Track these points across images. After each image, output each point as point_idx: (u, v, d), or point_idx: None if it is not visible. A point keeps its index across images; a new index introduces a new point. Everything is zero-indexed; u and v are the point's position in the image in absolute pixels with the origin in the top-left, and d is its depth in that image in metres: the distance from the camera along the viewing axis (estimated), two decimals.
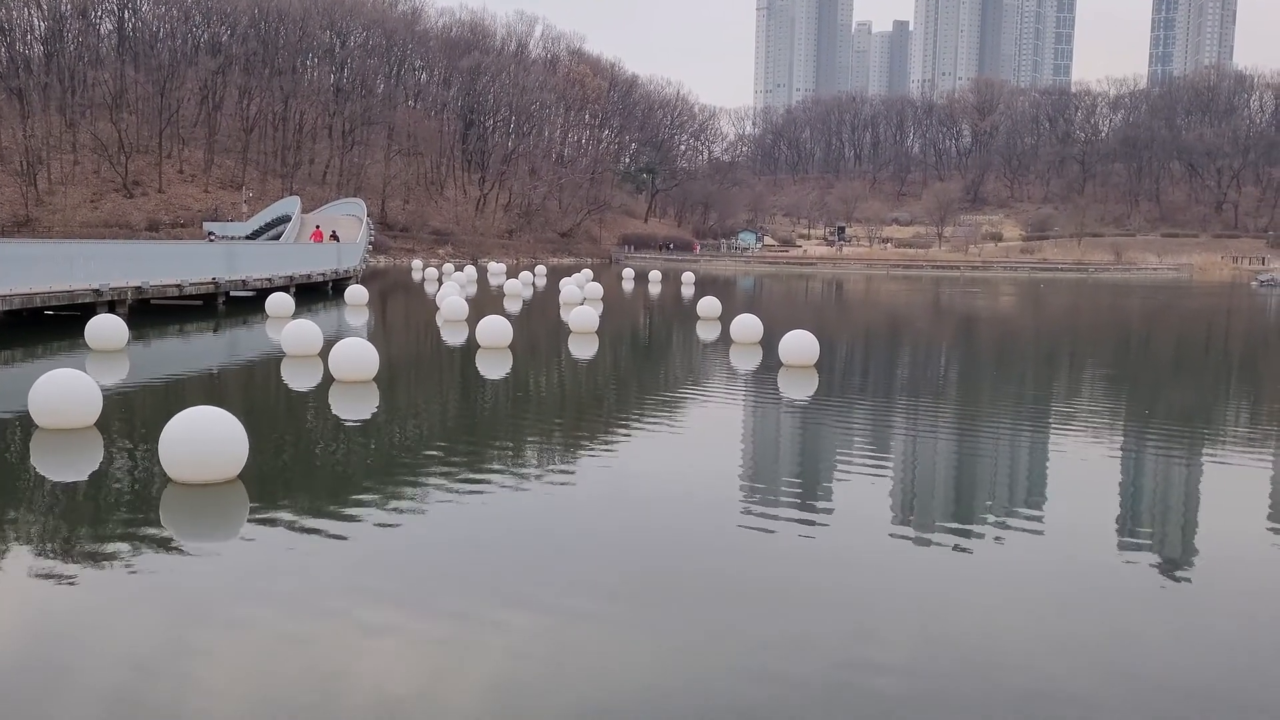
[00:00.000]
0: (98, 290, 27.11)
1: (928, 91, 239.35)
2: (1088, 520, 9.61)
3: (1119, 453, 13.38)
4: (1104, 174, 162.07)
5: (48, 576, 7.48)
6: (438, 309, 31.64)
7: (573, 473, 11.22)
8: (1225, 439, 14.68)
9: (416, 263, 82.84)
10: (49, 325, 25.82)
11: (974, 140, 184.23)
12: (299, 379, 18.14)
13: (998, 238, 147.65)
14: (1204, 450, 13.60)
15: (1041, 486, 11.36)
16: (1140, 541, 9.08)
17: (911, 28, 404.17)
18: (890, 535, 9.03)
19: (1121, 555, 8.57)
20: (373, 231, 76.77)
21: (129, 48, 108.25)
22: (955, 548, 8.61)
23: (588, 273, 58.05)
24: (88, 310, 25.44)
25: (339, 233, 60.53)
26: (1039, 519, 9.64)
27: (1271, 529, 9.60)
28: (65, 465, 11.27)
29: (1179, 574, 8.19)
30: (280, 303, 30.92)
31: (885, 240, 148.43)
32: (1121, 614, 7.09)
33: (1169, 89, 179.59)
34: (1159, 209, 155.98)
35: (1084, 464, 12.47)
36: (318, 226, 62.83)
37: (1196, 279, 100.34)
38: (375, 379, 16.98)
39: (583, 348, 24.17)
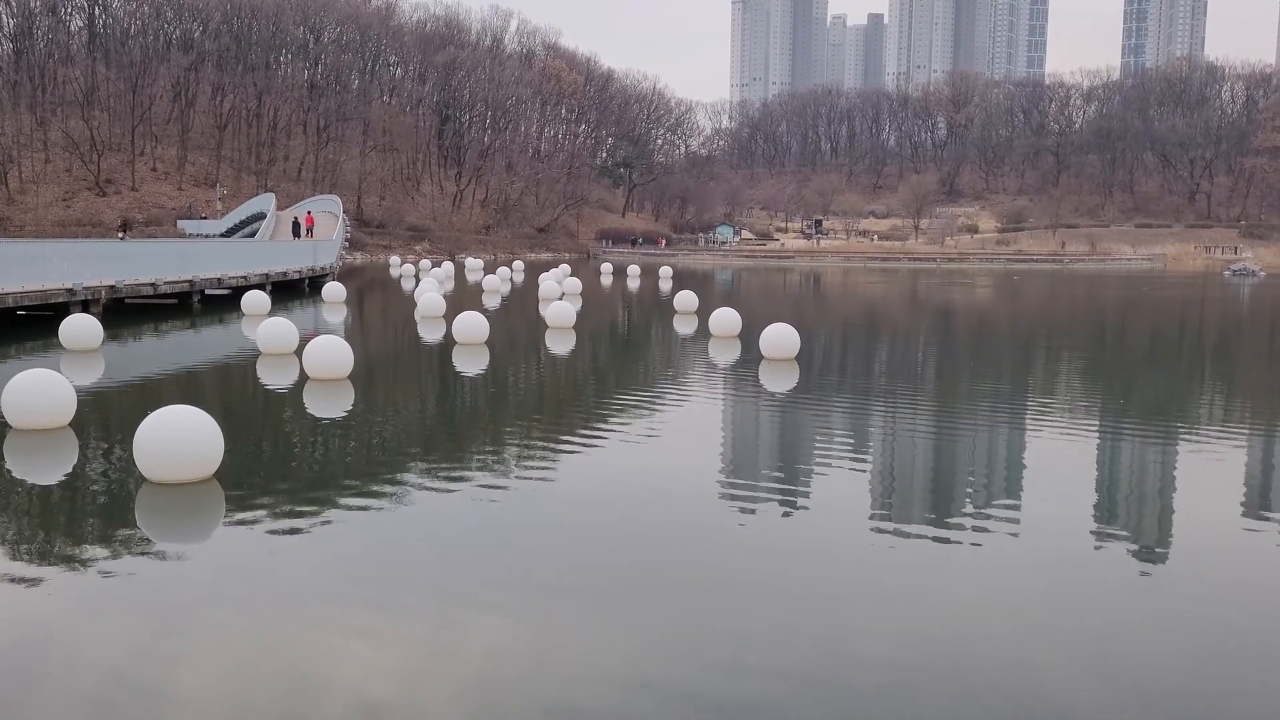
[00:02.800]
0: (71, 290, 26.87)
1: (903, 84, 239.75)
2: (1065, 513, 9.66)
3: (1096, 444, 13.46)
4: (1078, 165, 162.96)
5: (22, 578, 7.40)
6: (415, 305, 31.52)
7: (551, 468, 11.19)
8: (1201, 429, 14.80)
9: (394, 259, 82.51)
10: (22, 325, 25.57)
11: (949, 133, 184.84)
12: (275, 377, 18.03)
13: (974, 230, 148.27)
14: (1180, 441, 13.70)
15: (1019, 479, 11.41)
16: (1117, 534, 9.14)
17: (886, 21, 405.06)
18: (870, 528, 9.05)
19: (1099, 548, 8.62)
20: (349, 228, 76.40)
21: (100, 45, 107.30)
22: (934, 541, 8.64)
23: (565, 268, 57.98)
24: (61, 310, 25.22)
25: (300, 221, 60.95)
26: (1017, 512, 9.69)
27: (1247, 519, 9.68)
28: (39, 466, 11.16)
29: (1156, 566, 8.25)
30: (256, 301, 30.74)
31: (862, 233, 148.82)
32: (1099, 606, 7.13)
33: (1142, 80, 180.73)
34: (1133, 200, 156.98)
35: (1061, 456, 12.54)
36: (309, 212, 63.35)
37: (1170, 269, 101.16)
38: (350, 377, 16.90)
39: (561, 343, 24.13)
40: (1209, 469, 11.89)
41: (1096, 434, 14.10)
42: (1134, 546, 8.59)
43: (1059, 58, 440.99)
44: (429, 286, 36.60)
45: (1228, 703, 5.68)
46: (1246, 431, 14.60)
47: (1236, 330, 35.79)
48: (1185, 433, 14.21)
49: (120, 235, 41.82)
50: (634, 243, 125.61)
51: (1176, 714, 5.55)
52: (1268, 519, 9.63)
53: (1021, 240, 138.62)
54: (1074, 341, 29.39)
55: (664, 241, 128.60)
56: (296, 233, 59.83)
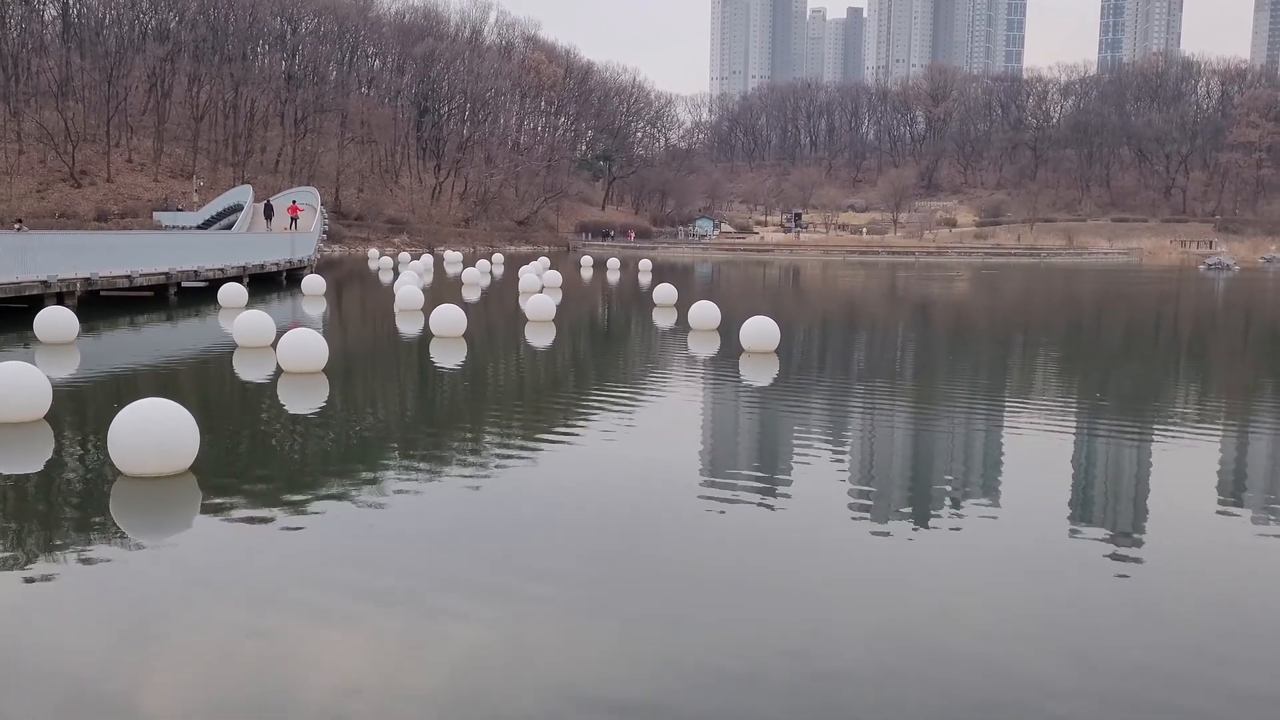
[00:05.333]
0: (45, 282, 26.63)
1: (882, 78, 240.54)
2: (1043, 504, 9.72)
3: (1073, 438, 13.55)
4: (1055, 160, 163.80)
5: None
6: (394, 298, 31.40)
7: (529, 463, 11.17)
8: (1176, 420, 14.91)
9: (373, 251, 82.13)
10: None
11: (928, 127, 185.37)
12: (251, 370, 17.93)
13: (952, 223, 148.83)
14: (1156, 432, 13.81)
15: (997, 470, 11.48)
16: (1094, 525, 9.20)
17: (865, 15, 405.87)
18: (850, 520, 9.09)
19: (1076, 539, 8.68)
20: (327, 220, 76.02)
21: (74, 34, 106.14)
22: (913, 533, 8.68)
23: (545, 260, 57.82)
24: (36, 302, 24.99)
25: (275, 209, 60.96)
26: (995, 503, 9.74)
27: (1221, 510, 9.77)
28: (14, 459, 11.07)
29: (1133, 557, 8.30)
30: (233, 293, 30.56)
31: (841, 226, 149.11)
32: (1077, 598, 7.18)
33: (1118, 76, 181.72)
34: (1109, 194, 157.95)
35: (1038, 449, 12.61)
36: (294, 201, 63.09)
37: (1146, 263, 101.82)
38: (325, 370, 16.82)
39: (540, 336, 24.09)
40: (1185, 462, 11.99)
41: (1073, 427, 14.19)
42: (1110, 539, 8.64)
43: (1036, 52, 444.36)
44: (408, 279, 36.48)
45: (1203, 694, 5.73)
46: (1222, 424, 14.72)
47: (1212, 324, 36.08)
48: (1161, 426, 14.32)
49: (17, 226, 40.76)
50: (606, 235, 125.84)
51: (1152, 705, 5.59)
52: (1243, 511, 9.72)
53: (999, 234, 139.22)
54: (1051, 335, 29.56)
55: (632, 234, 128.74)
56: (269, 215, 59.58)
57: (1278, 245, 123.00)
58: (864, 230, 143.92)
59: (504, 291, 41.14)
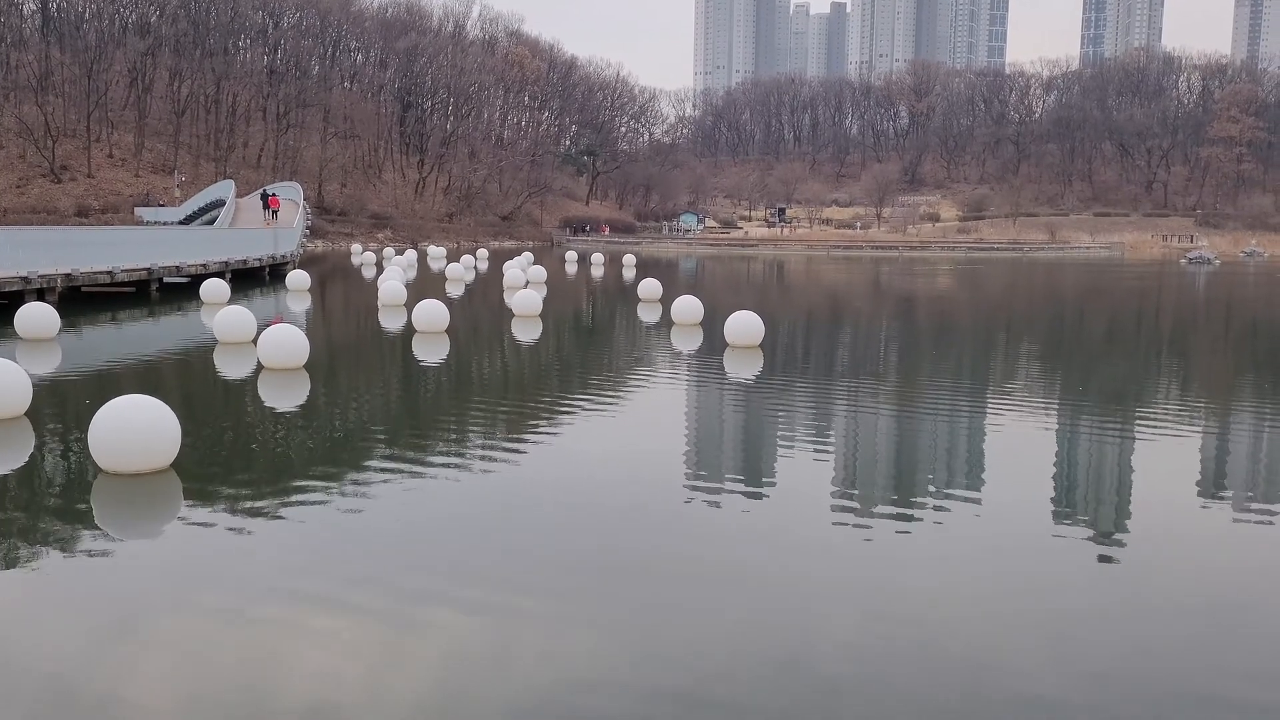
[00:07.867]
0: (26, 278, 26.45)
1: (865, 73, 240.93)
2: (1027, 499, 9.76)
3: (1055, 431, 13.60)
4: (1038, 154, 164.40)
5: None
6: (378, 293, 31.30)
7: (513, 459, 11.15)
8: (1159, 415, 14.98)
9: (356, 247, 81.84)
10: None
11: (911, 122, 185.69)
12: (232, 366, 17.85)
13: (935, 218, 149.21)
14: (1138, 427, 13.87)
15: (981, 465, 11.51)
16: (1078, 520, 9.23)
17: (849, 9, 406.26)
18: (833, 516, 9.09)
19: (1060, 534, 8.71)
20: (309, 215, 75.75)
21: (54, 29, 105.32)
22: (897, 527, 8.70)
23: (528, 255, 57.75)
24: (16, 298, 24.84)
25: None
26: (979, 498, 9.77)
27: (1205, 505, 9.82)
28: None
29: (1117, 552, 8.34)
30: (215, 289, 30.42)
31: (825, 221, 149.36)
32: (1060, 593, 7.21)
33: (1100, 70, 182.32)
34: (1091, 189, 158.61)
35: (1021, 442, 12.66)
36: (274, 194, 63.04)
37: (1129, 257, 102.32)
38: (306, 366, 16.76)
39: (525, 331, 24.05)
40: (1167, 454, 12.04)
41: (1056, 420, 14.25)
42: (1093, 532, 8.68)
43: (1019, 47, 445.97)
44: (392, 275, 36.38)
45: (1187, 686, 5.76)
46: (1203, 417, 14.80)
47: (1193, 318, 36.28)
48: (1143, 418, 14.38)
49: None
50: (583, 230, 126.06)
51: (1136, 697, 5.62)
52: (1224, 503, 9.78)
53: (982, 229, 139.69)
54: (1034, 330, 29.67)
55: (606, 229, 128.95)
56: (267, 205, 59.78)
57: (1258, 239, 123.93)
58: (857, 224, 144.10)
59: (488, 287, 41.06)
